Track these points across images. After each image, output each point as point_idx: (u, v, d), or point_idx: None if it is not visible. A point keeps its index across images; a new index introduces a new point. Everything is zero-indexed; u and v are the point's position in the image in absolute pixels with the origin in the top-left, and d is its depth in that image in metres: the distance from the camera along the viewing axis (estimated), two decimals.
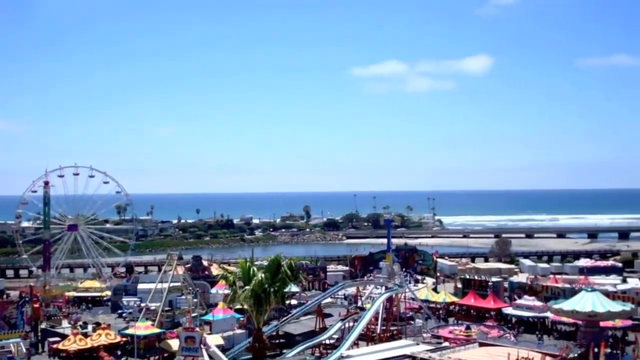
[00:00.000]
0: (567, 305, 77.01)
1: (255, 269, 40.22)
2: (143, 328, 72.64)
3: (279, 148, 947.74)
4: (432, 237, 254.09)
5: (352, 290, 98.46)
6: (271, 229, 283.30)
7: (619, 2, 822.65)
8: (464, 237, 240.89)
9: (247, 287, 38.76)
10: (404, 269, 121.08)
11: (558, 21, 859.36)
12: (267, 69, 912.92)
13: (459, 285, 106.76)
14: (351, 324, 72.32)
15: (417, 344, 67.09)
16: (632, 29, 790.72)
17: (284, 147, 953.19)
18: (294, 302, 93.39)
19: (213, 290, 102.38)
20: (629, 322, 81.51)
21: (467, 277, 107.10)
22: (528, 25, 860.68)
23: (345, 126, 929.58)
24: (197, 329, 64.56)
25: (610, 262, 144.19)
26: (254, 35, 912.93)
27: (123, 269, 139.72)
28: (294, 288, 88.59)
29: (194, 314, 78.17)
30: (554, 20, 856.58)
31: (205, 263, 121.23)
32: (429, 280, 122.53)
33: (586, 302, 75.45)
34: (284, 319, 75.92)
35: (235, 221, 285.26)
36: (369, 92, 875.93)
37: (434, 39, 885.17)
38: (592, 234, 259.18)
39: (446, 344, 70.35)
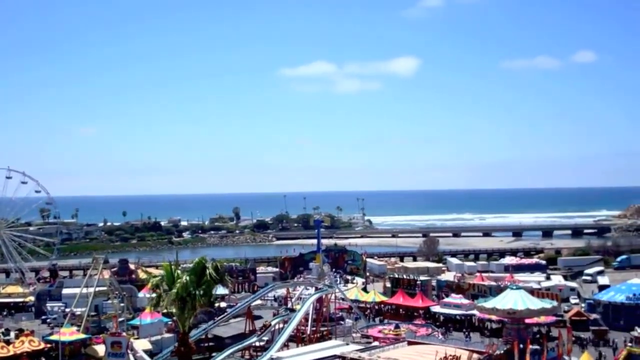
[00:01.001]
0: (489, 303, 78.80)
1: (180, 272, 39.42)
2: (68, 334, 70.64)
3: (208, 149, 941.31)
4: (362, 237, 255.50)
5: (282, 291, 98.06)
6: (200, 231, 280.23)
7: (540, 6, 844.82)
8: (393, 236, 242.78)
9: (172, 291, 37.96)
10: (333, 270, 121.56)
11: (483, 24, 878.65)
12: (194, 69, 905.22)
13: (388, 285, 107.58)
14: (281, 325, 71.99)
15: (347, 344, 67.08)
16: (554, 32, 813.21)
17: (213, 148, 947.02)
18: (223, 304, 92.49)
19: (140, 294, 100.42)
20: (553, 319, 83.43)
21: (396, 276, 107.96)
22: (454, 27, 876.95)
23: (274, 127, 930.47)
24: (124, 333, 63.30)
25: (534, 260, 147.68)
26: (181, 34, 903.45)
27: (47, 274, 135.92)
28: (222, 290, 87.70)
29: (120, 319, 76.44)
30: (479, 23, 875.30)
31: (132, 266, 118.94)
32: (359, 280, 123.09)
33: (509, 299, 77.19)
34: (212, 321, 74.92)
35: (162, 223, 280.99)
36: (298, 93, 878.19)
37: (362, 41, 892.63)
38: (517, 232, 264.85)
39: (375, 343, 70.53)
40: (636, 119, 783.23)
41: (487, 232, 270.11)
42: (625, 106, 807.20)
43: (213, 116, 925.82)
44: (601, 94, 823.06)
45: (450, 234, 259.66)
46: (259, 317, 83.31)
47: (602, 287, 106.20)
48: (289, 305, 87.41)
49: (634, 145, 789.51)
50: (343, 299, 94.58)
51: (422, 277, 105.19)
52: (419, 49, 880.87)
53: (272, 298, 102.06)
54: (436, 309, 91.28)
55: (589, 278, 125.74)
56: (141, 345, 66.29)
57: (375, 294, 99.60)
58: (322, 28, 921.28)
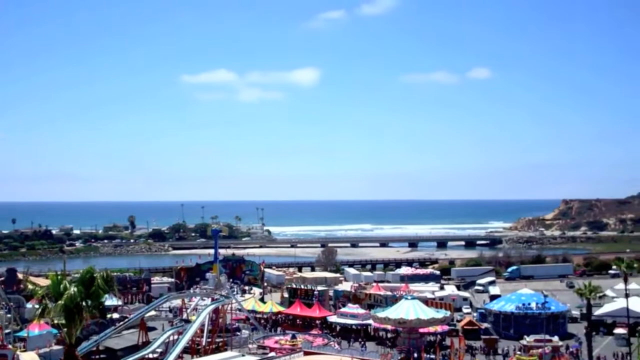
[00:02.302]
0: (383, 312, 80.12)
1: (67, 282, 37.80)
2: None
3: (102, 155, 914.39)
4: (261, 247, 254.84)
5: (177, 302, 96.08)
6: (93, 240, 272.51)
7: (439, 22, 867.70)
8: (292, 247, 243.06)
9: (58, 302, 36.36)
10: (231, 280, 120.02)
11: (384, 37, 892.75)
12: (93, 71, 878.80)
13: (286, 295, 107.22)
14: (176, 336, 70.45)
15: (243, 355, 66.26)
16: (451, 49, 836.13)
17: (108, 154, 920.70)
18: (115, 315, 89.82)
19: (29, 305, 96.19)
20: (446, 328, 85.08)
21: (294, 286, 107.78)
22: (355, 40, 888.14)
23: (174, 134, 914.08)
24: (10, 346, 60.38)
25: (429, 270, 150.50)
26: (84, 38, 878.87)
27: None
28: (115, 301, 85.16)
29: (7, 331, 72.94)
30: (379, 36, 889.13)
31: (20, 276, 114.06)
32: (257, 291, 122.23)
33: (401, 309, 78.51)
34: (104, 333, 72.54)
35: (54, 231, 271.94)
36: (199, 101, 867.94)
37: (263, 50, 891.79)
38: (413, 243, 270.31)
39: (272, 354, 70.20)
40: (527, 133, 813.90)
41: (384, 243, 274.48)
42: (517, 121, 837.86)
43: (110, 121, 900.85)
44: (495, 109, 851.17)
45: (349, 244, 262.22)
46: (153, 329, 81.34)
47: (493, 297, 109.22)
48: (184, 316, 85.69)
49: (525, 159, 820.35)
50: (240, 310, 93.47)
51: (319, 287, 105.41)
52: (320, 61, 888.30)
53: (167, 309, 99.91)
54: (333, 319, 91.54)
55: (481, 288, 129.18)
56: (29, 358, 63.45)
57: (272, 305, 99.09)
58: (224, 36, 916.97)
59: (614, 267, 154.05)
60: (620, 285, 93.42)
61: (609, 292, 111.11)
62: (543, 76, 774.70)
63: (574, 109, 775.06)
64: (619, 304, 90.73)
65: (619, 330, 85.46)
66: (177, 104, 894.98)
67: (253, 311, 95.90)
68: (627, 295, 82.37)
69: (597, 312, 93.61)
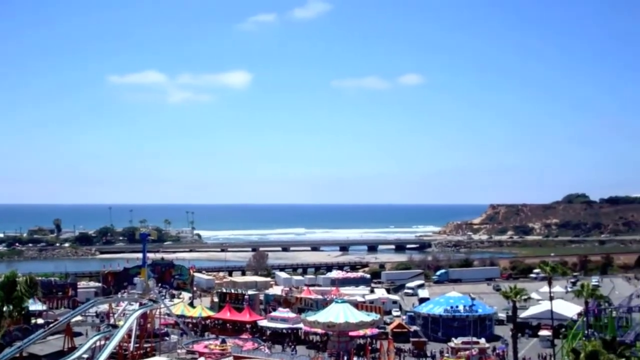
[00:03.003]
0: (312, 316, 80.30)
1: None
2: None
3: (25, 156, 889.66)
4: (191, 251, 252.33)
5: (104, 307, 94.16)
6: (17, 244, 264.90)
7: (371, 27, 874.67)
8: (222, 250, 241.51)
9: None
10: (159, 284, 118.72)
11: (315, 41, 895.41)
12: (18, 70, 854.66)
13: (216, 300, 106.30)
14: (102, 342, 68.96)
15: None
16: (383, 54, 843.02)
17: (32, 155, 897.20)
18: (40, 321, 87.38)
19: None
20: (376, 331, 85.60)
21: (224, 290, 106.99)
22: (287, 43, 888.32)
23: (101, 135, 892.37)
24: None
25: (359, 274, 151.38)
26: (4, 34, 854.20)
27: None
28: (39, 306, 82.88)
29: None
30: (311, 40, 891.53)
31: None
32: (186, 295, 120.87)
33: (331, 313, 78.80)
34: (28, 339, 70.41)
35: None
36: (128, 102, 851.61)
37: (194, 52, 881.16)
38: (344, 246, 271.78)
39: (201, 359, 69.47)
40: (456, 138, 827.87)
41: (315, 247, 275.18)
42: (446, 127, 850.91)
43: (33, 121, 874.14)
44: (425, 115, 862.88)
45: (280, 248, 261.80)
46: (79, 334, 79.52)
47: (422, 300, 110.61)
48: (112, 321, 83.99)
49: (453, 164, 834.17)
50: (168, 315, 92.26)
51: (250, 292, 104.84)
52: (252, 64, 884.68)
53: (94, 314, 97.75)
54: (263, 323, 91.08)
55: (410, 291, 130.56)
56: None
57: (202, 309, 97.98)
58: (153, 37, 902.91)
59: (535, 270, 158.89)
60: (545, 288, 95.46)
61: (534, 295, 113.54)
62: (471, 83, 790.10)
63: (501, 116, 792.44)
64: (544, 306, 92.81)
65: (543, 332, 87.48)
66: (103, 104, 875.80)
67: (182, 316, 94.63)
68: (551, 298, 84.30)
69: (523, 314, 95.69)
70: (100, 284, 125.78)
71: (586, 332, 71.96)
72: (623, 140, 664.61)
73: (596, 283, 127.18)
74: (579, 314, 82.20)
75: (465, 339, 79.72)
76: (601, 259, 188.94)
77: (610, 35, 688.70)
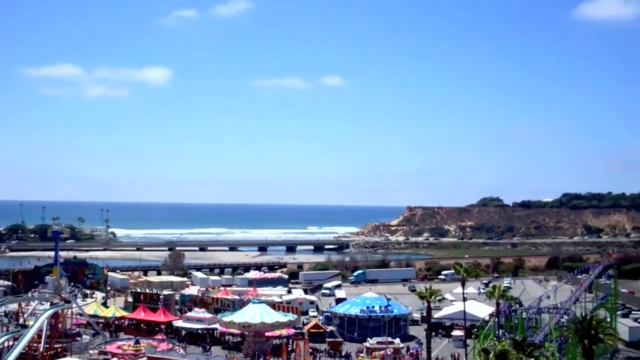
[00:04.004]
0: (228, 317, 79.92)
1: None
2: None
3: None
4: (105, 250, 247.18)
5: (13, 306, 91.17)
6: None
7: (293, 27, 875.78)
8: (138, 250, 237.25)
9: None
10: (72, 283, 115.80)
11: (236, 39, 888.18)
12: None
13: (130, 299, 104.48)
14: (11, 342, 66.70)
15: None
16: (304, 54, 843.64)
17: None
18: None
19: None
20: (292, 331, 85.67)
21: (139, 290, 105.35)
22: (207, 41, 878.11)
23: (13, 129, 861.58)
24: None
25: (277, 274, 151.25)
26: None
27: None
28: None
29: None
30: (233, 38, 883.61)
31: None
32: (99, 295, 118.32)
33: (247, 313, 78.55)
34: None
35: None
36: (41, 95, 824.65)
37: (113, 46, 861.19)
38: (262, 247, 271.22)
39: None
40: (376, 141, 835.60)
41: (233, 247, 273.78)
42: (366, 129, 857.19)
43: None
44: (346, 117, 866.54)
45: (197, 248, 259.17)
46: None
47: (339, 300, 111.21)
48: (21, 321, 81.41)
49: (372, 166, 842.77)
50: (81, 314, 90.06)
51: (165, 292, 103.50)
52: (171, 60, 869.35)
53: (3, 314, 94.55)
54: (178, 323, 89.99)
55: (327, 291, 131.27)
56: None
57: (115, 309, 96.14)
58: (69, 29, 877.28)
59: (444, 272, 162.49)
60: (459, 289, 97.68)
61: (448, 296, 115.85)
62: (392, 85, 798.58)
63: (419, 120, 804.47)
64: (457, 307, 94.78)
65: (456, 332, 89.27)
66: (16, 97, 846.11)
67: (95, 316, 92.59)
68: (464, 299, 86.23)
69: (437, 314, 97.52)
70: (9, 283, 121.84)
71: (497, 332, 73.67)
72: (536, 147, 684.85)
73: (508, 284, 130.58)
74: (491, 315, 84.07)
75: (380, 339, 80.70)
76: (513, 261, 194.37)
77: (522, 47, 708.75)
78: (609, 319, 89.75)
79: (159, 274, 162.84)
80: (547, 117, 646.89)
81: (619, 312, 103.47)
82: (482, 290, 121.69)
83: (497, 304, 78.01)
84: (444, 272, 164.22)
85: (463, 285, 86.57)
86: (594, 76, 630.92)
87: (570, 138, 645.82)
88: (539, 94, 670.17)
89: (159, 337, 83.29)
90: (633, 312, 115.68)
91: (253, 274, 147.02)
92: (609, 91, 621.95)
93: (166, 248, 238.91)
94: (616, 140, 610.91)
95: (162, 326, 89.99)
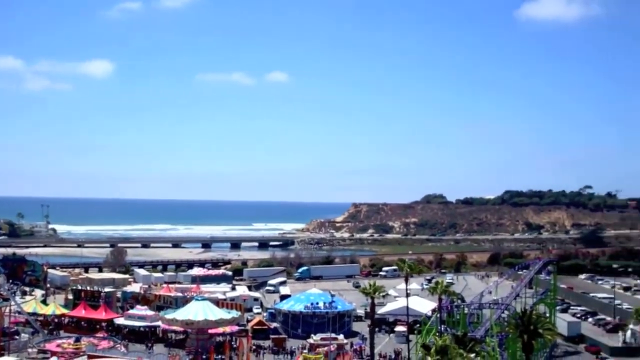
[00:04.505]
0: (171, 314, 79.22)
1: None
2: None
3: None
4: (45, 246, 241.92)
5: None
6: None
7: (239, 22, 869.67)
8: (79, 246, 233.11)
9: None
10: (10, 281, 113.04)
11: (181, 33, 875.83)
12: None
13: (70, 297, 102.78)
14: None
15: None
16: (250, 50, 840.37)
17: None
18: None
19: None
20: (236, 328, 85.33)
21: (79, 287, 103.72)
22: (152, 34, 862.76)
23: None
24: None
25: (221, 271, 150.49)
26: None
27: None
28: None
29: None
30: (178, 32, 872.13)
31: None
32: (39, 292, 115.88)
33: (190, 310, 77.96)
34: None
35: None
36: None
37: (55, 39, 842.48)
38: (206, 243, 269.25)
39: (54, 358, 66.95)
40: (322, 137, 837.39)
41: (176, 243, 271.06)
42: (312, 125, 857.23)
43: None
44: (291, 113, 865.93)
45: (140, 245, 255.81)
46: None
47: (283, 297, 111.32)
48: None
49: (318, 162, 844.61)
50: (19, 312, 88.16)
51: (107, 289, 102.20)
52: (115, 53, 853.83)
53: None
54: (120, 321, 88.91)
55: (272, 288, 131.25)
56: None
57: (55, 307, 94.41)
58: (9, 20, 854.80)
59: (385, 268, 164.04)
60: (402, 285, 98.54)
61: (391, 292, 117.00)
62: (338, 82, 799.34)
63: (364, 117, 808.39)
64: (401, 303, 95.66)
65: (399, 328, 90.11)
66: None
67: (34, 313, 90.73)
68: (407, 295, 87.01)
69: (380, 310, 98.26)
70: None
71: (439, 328, 74.51)
72: (479, 145, 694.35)
73: (450, 280, 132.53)
74: (433, 310, 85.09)
75: (324, 335, 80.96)
76: (456, 258, 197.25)
77: (466, 46, 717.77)
78: (548, 314, 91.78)
79: (100, 271, 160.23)
80: (489, 117, 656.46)
81: (558, 308, 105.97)
82: (425, 286, 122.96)
83: (440, 300, 78.91)
84: (385, 268, 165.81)
85: (406, 282, 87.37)
86: (534, 76, 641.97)
87: (511, 137, 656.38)
88: (481, 94, 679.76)
89: (100, 335, 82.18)
90: (571, 307, 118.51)
91: (196, 271, 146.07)
92: (549, 91, 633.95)
93: (108, 245, 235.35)
94: (556, 139, 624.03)
95: (103, 324, 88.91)
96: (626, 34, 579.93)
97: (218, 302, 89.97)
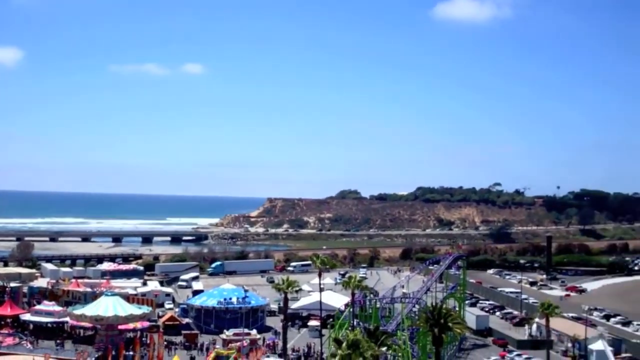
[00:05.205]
0: (79, 310, 77.46)
1: None
2: None
3: None
4: None
5: None
6: None
7: (152, 12, 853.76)
8: None
9: None
10: None
11: (94, 21, 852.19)
12: None
13: None
14: None
15: None
16: (164, 41, 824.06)
17: None
18: None
19: None
20: (147, 324, 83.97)
21: None
22: (62, 20, 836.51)
23: None
24: None
25: (132, 266, 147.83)
26: None
27: None
28: None
29: None
30: (90, 19, 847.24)
31: None
32: None
33: (100, 306, 76.31)
34: None
35: None
36: None
37: None
38: (117, 238, 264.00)
39: None
40: (236, 131, 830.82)
41: (86, 237, 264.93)
42: (225, 118, 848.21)
43: None
44: (207, 106, 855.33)
45: (47, 238, 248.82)
46: None
47: (196, 292, 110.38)
48: None
49: (233, 157, 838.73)
50: None
51: (12, 284, 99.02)
52: (24, 40, 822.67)
53: None
54: (26, 317, 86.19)
55: (184, 283, 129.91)
56: None
57: None
58: None
59: (293, 263, 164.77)
60: (316, 280, 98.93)
61: (305, 287, 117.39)
62: (254, 76, 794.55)
63: (282, 111, 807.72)
64: (314, 297, 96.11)
65: (312, 323, 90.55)
66: None
67: None
68: (321, 290, 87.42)
69: (294, 305, 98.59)
70: None
71: (352, 322, 75.19)
72: (393, 141, 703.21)
73: (363, 275, 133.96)
74: (346, 305, 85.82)
75: (237, 330, 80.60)
76: (369, 252, 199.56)
77: (381, 43, 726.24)
78: (457, 308, 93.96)
79: (5, 265, 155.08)
80: (405, 113, 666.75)
81: (467, 302, 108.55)
82: (338, 281, 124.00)
83: (353, 294, 79.59)
84: (292, 263, 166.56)
85: (320, 277, 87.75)
86: (446, 76, 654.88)
87: (424, 134, 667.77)
88: (396, 90, 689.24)
89: (4, 331, 79.56)
90: (480, 302, 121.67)
91: (107, 266, 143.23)
92: (460, 90, 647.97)
93: (14, 238, 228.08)
94: (466, 137, 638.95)
95: (9, 320, 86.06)
96: (536, 35, 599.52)
97: (129, 298, 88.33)
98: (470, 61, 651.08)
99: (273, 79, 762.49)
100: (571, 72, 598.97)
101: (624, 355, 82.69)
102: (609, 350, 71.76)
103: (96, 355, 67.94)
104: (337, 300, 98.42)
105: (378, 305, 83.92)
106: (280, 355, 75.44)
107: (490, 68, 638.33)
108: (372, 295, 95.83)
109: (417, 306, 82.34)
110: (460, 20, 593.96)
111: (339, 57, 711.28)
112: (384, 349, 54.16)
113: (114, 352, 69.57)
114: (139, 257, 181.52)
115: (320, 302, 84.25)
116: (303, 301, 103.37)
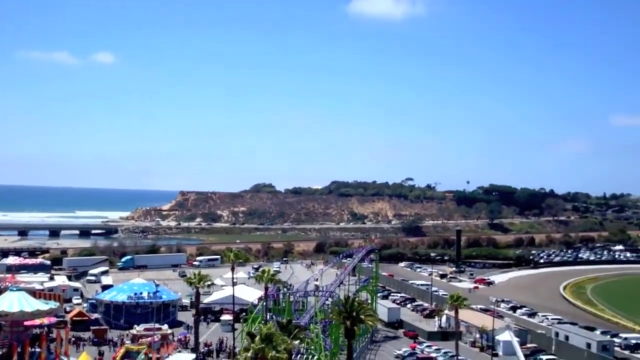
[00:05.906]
0: None
1: None
2: None
3: None
4: None
5: None
6: None
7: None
8: None
9: None
10: None
11: (3, 6, 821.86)
12: None
13: None
14: None
15: None
16: (74, 30, 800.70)
17: None
18: None
19: None
20: (54, 320, 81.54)
21: None
22: None
23: None
24: None
25: (39, 260, 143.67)
26: None
27: None
28: None
29: None
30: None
31: None
32: None
33: (5, 301, 73.60)
34: None
35: None
36: None
37: None
38: (23, 231, 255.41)
39: None
40: (136, 122, 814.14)
41: None
42: (134, 110, 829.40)
43: None
44: (120, 95, 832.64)
45: None
46: None
47: (105, 287, 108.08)
48: None
49: (146, 147, 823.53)
50: None
51: None
52: None
53: None
54: None
55: (93, 278, 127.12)
56: None
57: None
58: None
59: (199, 258, 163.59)
60: (229, 274, 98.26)
61: (218, 281, 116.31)
62: (166, 65, 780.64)
63: (195, 103, 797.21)
64: (227, 291, 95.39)
65: (225, 317, 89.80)
66: None
67: None
68: (234, 284, 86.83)
69: (207, 299, 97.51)
70: None
71: (265, 315, 74.87)
72: (307, 135, 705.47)
73: (277, 269, 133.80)
74: (260, 299, 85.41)
75: (148, 325, 79.08)
76: (283, 246, 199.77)
77: (299, 37, 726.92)
78: (370, 301, 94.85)
79: None
80: (319, 108, 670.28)
81: (379, 294, 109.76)
82: (252, 275, 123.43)
83: (266, 288, 79.22)
84: (198, 257, 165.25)
85: (232, 270, 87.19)
86: (361, 69, 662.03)
87: (338, 128, 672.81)
88: (309, 85, 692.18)
89: None
90: (392, 294, 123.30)
91: (12, 260, 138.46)
92: (377, 86, 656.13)
93: None
94: (379, 132, 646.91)
95: None
96: (448, 33, 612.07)
97: (35, 293, 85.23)
98: (384, 56, 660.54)
99: (186, 70, 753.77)
100: (479, 70, 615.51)
101: (529, 345, 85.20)
102: (515, 340, 73.64)
103: (1, 352, 65.62)
104: (250, 294, 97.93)
105: (291, 299, 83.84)
106: (192, 350, 74.49)
107: (403, 63, 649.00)
108: (285, 289, 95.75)
109: (330, 299, 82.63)
110: (375, 17, 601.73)
111: (249, 50, 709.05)
112: (297, 342, 54.04)
113: (19, 349, 67.27)
114: (46, 251, 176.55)
115: (233, 296, 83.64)
116: (215, 295, 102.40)
